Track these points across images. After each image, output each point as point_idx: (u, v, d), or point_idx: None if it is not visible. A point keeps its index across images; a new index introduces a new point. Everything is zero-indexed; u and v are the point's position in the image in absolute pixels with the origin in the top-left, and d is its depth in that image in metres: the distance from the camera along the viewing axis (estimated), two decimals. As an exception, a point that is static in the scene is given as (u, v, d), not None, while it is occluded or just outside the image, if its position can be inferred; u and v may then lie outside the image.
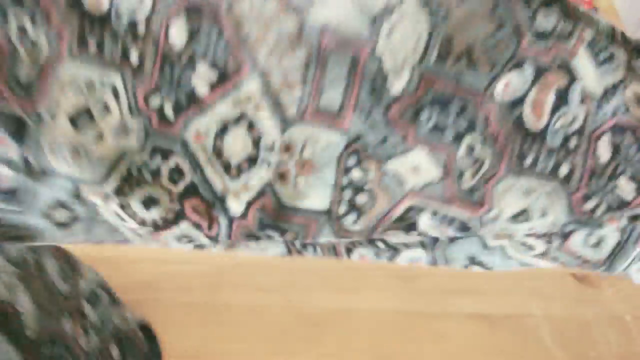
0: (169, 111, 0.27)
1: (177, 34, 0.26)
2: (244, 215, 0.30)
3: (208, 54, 0.27)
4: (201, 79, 0.27)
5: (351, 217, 0.30)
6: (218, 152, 0.29)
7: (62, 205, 0.30)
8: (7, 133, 0.27)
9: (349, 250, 0.35)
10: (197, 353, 0.58)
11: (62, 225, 0.31)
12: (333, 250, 0.35)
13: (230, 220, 0.30)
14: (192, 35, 0.26)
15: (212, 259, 0.64)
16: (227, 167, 0.29)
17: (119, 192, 0.29)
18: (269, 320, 0.60)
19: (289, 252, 0.34)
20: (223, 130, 0.28)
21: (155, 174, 0.29)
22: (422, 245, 0.35)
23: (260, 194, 0.29)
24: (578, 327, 0.60)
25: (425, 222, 0.31)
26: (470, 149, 0.30)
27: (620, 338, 0.59)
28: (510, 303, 0.62)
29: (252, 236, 0.31)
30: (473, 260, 0.35)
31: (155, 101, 0.27)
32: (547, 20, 0.31)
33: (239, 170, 0.29)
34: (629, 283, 0.65)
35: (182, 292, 0.62)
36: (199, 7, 0.26)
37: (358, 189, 0.30)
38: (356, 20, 0.28)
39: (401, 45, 0.29)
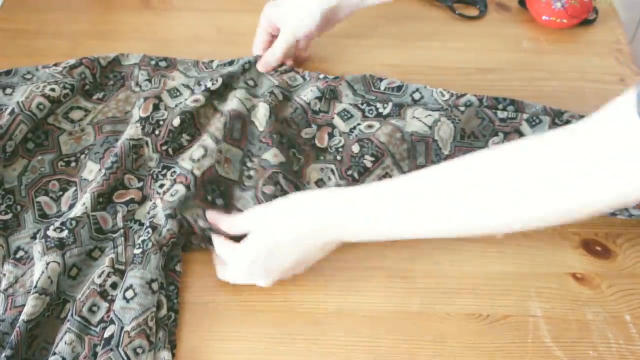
0: None
1: None
2: None
3: None
4: None
5: None
6: None
7: None
8: None
9: None
10: (197, 353, 0.58)
11: None
12: None
13: None
14: None
15: (212, 258, 0.64)
16: None
17: None
18: (269, 320, 0.60)
19: None
20: None
21: None
22: None
23: None
24: (578, 327, 0.60)
25: None
26: None
27: (619, 338, 0.59)
28: (510, 303, 0.61)
29: None
30: None
31: None
32: (502, 113, 0.71)
33: None
34: (628, 283, 0.66)
35: (182, 292, 0.62)
36: None
37: None
38: (425, 129, 0.70)
39: (444, 135, 0.69)
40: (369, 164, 0.68)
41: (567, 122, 0.71)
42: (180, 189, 0.65)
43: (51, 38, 0.84)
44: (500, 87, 0.79)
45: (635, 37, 1.18)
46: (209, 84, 0.75)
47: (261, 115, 0.72)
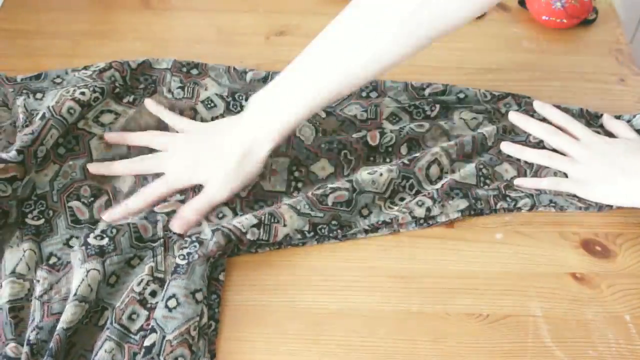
0: None
1: None
2: None
3: None
4: None
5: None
6: None
7: None
8: None
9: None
10: (197, 353, 0.58)
11: None
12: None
13: None
14: None
15: (213, 259, 0.64)
16: None
17: None
18: (268, 320, 0.60)
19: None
20: None
21: None
22: (528, 196, 0.68)
23: None
24: (578, 326, 0.60)
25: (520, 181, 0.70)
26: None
27: (619, 337, 0.59)
28: (510, 303, 0.61)
29: None
30: (551, 201, 0.68)
31: None
32: (538, 116, 0.75)
33: None
34: (628, 283, 0.66)
35: (183, 292, 0.62)
36: None
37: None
38: (467, 130, 0.74)
39: (487, 132, 0.73)
40: (417, 154, 0.71)
41: (602, 126, 0.74)
42: (227, 212, 0.65)
43: (51, 38, 0.84)
44: (500, 87, 0.79)
45: (635, 37, 1.18)
46: (244, 105, 0.74)
47: (307, 134, 0.72)
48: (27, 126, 0.69)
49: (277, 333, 0.59)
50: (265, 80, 0.78)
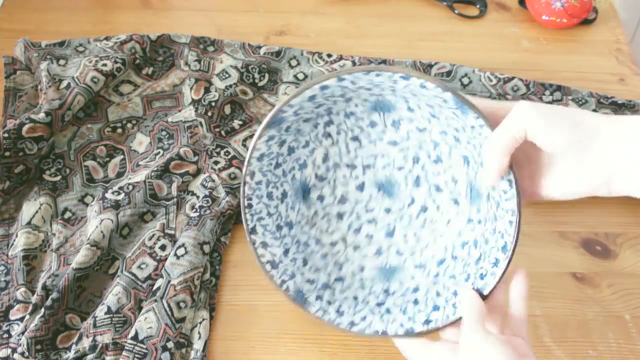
0: None
1: None
2: None
3: None
4: None
5: None
6: None
7: None
8: None
9: None
10: (197, 353, 0.58)
11: None
12: None
13: None
14: None
15: (213, 259, 0.64)
16: None
17: None
18: (268, 320, 0.60)
19: None
20: None
21: None
22: None
23: None
24: (578, 326, 0.60)
25: None
26: None
27: (619, 337, 0.59)
28: (510, 303, 0.61)
29: None
30: None
31: None
32: (548, 97, 0.75)
33: None
34: (628, 283, 0.65)
35: (183, 292, 0.62)
36: None
37: None
38: None
39: None
40: None
41: (613, 102, 0.76)
42: (239, 175, 0.68)
43: (51, 38, 0.83)
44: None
45: (635, 37, 1.18)
46: (256, 78, 0.78)
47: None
48: (49, 87, 0.72)
49: (276, 333, 0.59)
50: (278, 54, 0.81)
